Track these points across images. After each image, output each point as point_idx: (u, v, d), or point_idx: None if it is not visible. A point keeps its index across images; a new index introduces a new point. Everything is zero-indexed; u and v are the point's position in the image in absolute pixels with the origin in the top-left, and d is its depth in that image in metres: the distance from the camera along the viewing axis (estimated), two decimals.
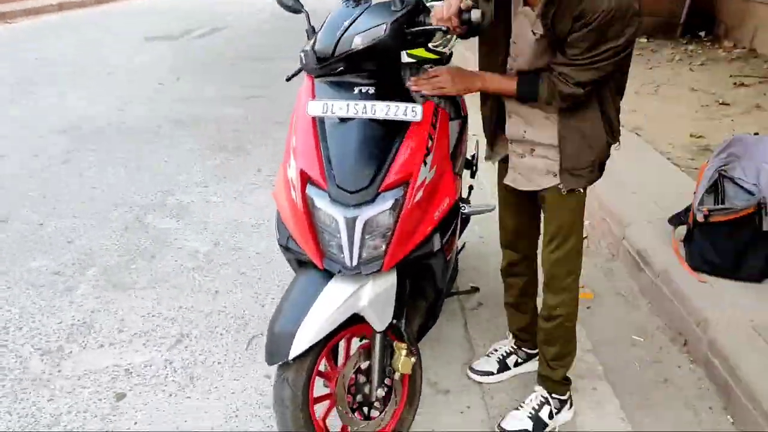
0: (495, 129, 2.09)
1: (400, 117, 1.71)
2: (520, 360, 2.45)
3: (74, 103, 6.33)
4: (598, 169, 1.93)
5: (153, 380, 2.41)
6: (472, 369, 2.44)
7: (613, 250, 3.37)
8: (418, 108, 1.72)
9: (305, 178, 1.71)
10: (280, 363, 1.72)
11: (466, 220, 2.65)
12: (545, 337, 2.14)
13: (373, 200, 1.65)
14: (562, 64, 1.74)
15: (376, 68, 1.80)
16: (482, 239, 3.43)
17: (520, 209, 2.17)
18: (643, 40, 9.23)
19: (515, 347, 2.46)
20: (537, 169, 1.97)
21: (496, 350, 2.48)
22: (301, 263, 1.85)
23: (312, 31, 1.94)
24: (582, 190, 1.94)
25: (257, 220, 3.76)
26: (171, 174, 4.45)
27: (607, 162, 1.96)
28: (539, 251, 2.14)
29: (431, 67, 1.90)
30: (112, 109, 6.11)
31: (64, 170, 4.51)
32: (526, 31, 1.81)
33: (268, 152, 4.92)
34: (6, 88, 6.83)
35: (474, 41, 1.98)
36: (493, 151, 2.16)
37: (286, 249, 1.84)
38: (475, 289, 2.93)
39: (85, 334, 2.67)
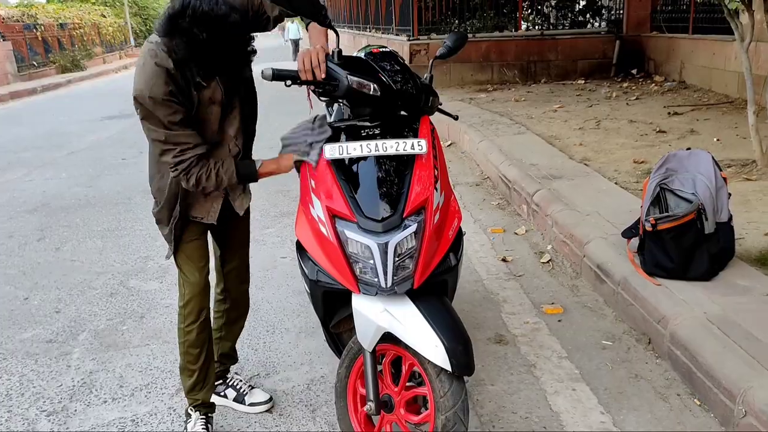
0: None
1: (409, 151, 1.93)
2: None
3: (41, 183, 6.45)
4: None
5: (160, 427, 2.51)
6: None
7: (576, 268, 3.63)
8: (423, 142, 1.95)
9: (332, 214, 1.92)
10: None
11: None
12: None
13: (399, 226, 1.87)
14: None
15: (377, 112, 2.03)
16: None
17: None
18: (581, 81, 9.87)
19: None
20: None
21: None
22: (327, 295, 2.03)
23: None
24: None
25: None
26: (148, 240, 4.59)
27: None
28: None
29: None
30: (80, 185, 6.24)
31: (40, 247, 4.60)
32: None
33: None
34: None
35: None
36: None
37: (315, 283, 2.02)
38: None
39: (87, 393, 2.75)
